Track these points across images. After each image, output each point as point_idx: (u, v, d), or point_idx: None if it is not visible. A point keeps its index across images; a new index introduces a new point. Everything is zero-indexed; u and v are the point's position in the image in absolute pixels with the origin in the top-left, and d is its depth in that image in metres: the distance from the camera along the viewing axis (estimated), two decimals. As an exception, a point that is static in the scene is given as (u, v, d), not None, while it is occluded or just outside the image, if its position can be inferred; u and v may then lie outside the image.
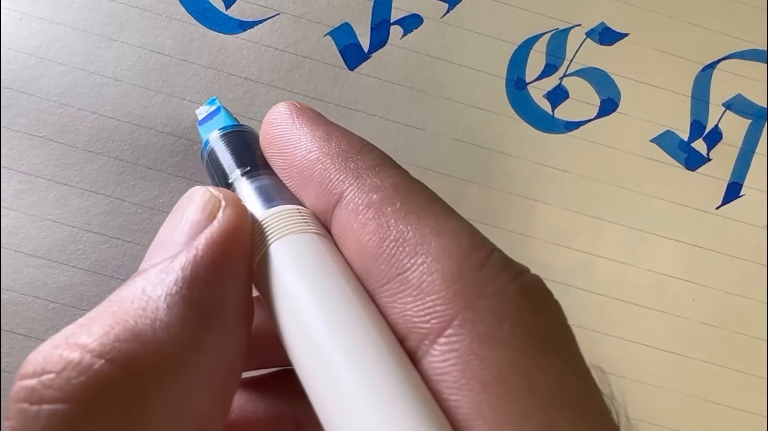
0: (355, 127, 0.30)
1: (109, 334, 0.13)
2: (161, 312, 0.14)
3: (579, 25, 0.31)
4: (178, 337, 0.14)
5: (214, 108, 0.24)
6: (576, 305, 0.30)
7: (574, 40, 0.31)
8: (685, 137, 0.31)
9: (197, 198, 0.17)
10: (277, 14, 0.30)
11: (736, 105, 0.32)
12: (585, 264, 0.30)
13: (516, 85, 0.31)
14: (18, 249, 0.27)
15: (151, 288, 0.14)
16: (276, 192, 0.18)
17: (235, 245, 0.16)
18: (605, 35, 0.31)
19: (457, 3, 0.30)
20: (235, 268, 0.15)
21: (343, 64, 0.30)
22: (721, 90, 0.32)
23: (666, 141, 0.31)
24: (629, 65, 0.31)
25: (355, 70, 0.30)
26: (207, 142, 0.21)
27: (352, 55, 0.30)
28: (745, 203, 0.31)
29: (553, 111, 0.31)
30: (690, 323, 0.30)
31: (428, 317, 0.13)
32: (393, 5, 0.30)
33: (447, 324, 0.13)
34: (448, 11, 0.30)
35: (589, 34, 0.31)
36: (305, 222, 0.16)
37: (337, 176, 0.16)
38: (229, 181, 0.19)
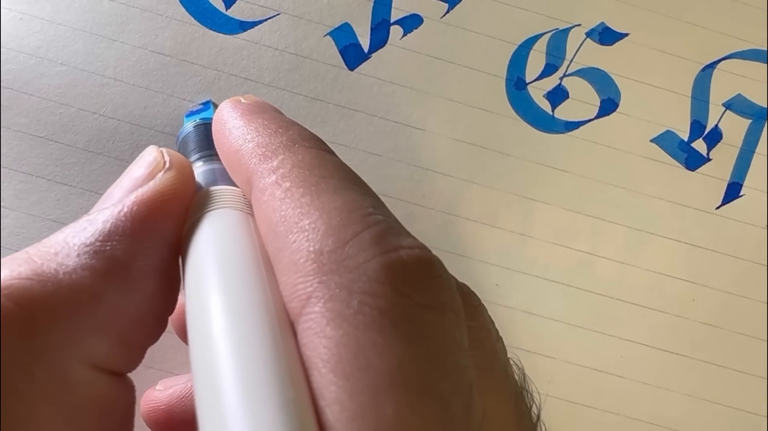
0: (355, 127, 0.30)
1: (14, 272, 0.14)
2: (70, 259, 0.15)
3: (579, 25, 0.31)
4: (77, 283, 0.15)
5: (204, 101, 0.26)
6: (576, 305, 0.30)
7: (574, 40, 0.31)
8: (685, 137, 0.31)
9: (146, 155, 0.18)
10: (277, 14, 0.30)
11: (736, 105, 0.32)
12: (585, 264, 0.30)
13: (516, 85, 0.31)
14: (18, 250, 0.27)
15: (71, 236, 0.15)
16: (222, 176, 0.19)
17: (163, 207, 0.16)
18: (605, 35, 0.31)
19: (457, 3, 0.30)
20: (159, 229, 0.16)
21: (343, 64, 0.30)
22: (721, 90, 0.32)
23: (666, 141, 0.31)
24: (629, 65, 0.31)
25: (355, 70, 0.30)
26: (183, 130, 0.23)
27: (352, 55, 0.30)
28: (745, 203, 0.31)
29: (553, 111, 0.31)
30: (690, 323, 0.30)
31: (293, 295, 0.14)
32: (393, 5, 0.30)
33: (305, 302, 0.13)
34: (448, 11, 0.30)
35: (589, 34, 0.31)
36: (235, 201, 0.17)
37: (248, 163, 0.16)
38: (191, 160, 0.21)
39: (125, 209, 0.16)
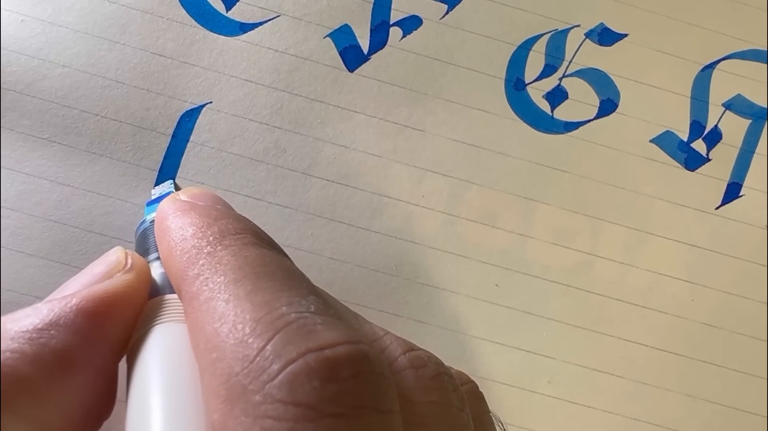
0: (355, 128, 0.30)
1: None
2: (3, 342, 0.15)
3: (578, 25, 0.31)
4: (9, 368, 0.14)
5: (166, 191, 0.26)
6: (576, 305, 0.30)
7: (573, 40, 0.31)
8: (685, 137, 0.31)
9: (110, 254, 0.18)
10: (278, 16, 0.30)
11: (736, 105, 0.32)
12: (585, 264, 0.30)
13: (515, 85, 0.31)
14: (20, 250, 0.28)
15: (11, 321, 0.16)
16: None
17: (113, 307, 0.16)
18: (604, 36, 0.31)
19: (457, 4, 0.31)
20: (104, 328, 0.16)
21: (343, 65, 0.30)
22: (720, 90, 0.32)
23: (665, 141, 0.31)
24: (628, 66, 0.31)
25: (355, 71, 0.30)
26: (143, 222, 0.23)
27: (352, 57, 0.30)
28: (745, 203, 0.31)
29: (552, 111, 0.31)
30: (690, 323, 0.30)
31: (211, 422, 0.13)
32: (392, 7, 0.30)
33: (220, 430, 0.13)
34: (447, 12, 0.31)
35: (589, 35, 0.31)
36: (173, 313, 0.17)
37: (176, 269, 0.16)
38: (147, 261, 0.20)
39: (73, 301, 0.16)
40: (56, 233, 0.28)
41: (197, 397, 0.14)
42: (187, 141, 0.29)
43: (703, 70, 0.32)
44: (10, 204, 0.28)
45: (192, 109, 0.29)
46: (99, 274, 0.17)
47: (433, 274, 0.29)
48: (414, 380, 0.14)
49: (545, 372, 0.30)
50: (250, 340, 0.13)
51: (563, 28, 0.31)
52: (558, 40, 0.31)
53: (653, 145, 0.31)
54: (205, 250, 0.16)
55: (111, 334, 0.16)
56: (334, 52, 0.30)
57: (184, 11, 0.29)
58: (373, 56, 0.30)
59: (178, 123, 0.29)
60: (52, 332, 0.15)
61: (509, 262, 0.30)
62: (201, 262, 0.15)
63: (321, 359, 0.12)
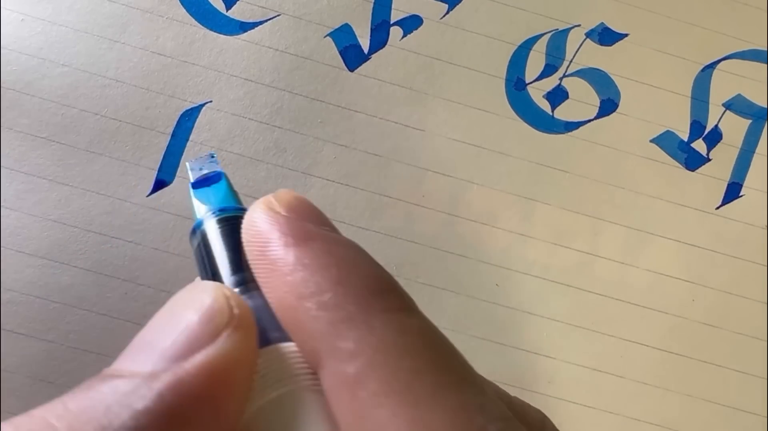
0: (356, 127, 0.30)
1: None
2: None
3: (579, 25, 0.31)
4: None
5: (212, 172, 0.19)
6: (576, 305, 0.30)
7: (573, 40, 0.31)
8: (685, 137, 0.31)
9: (206, 300, 0.13)
10: (278, 15, 0.30)
11: (736, 105, 0.32)
12: (585, 264, 0.30)
13: (516, 85, 0.31)
14: (19, 250, 0.28)
15: (117, 408, 0.12)
16: (270, 318, 0.15)
17: (228, 381, 0.13)
18: (605, 35, 0.31)
19: (457, 3, 0.31)
20: (223, 409, 0.13)
21: (343, 65, 0.30)
22: (721, 90, 0.32)
23: (666, 141, 0.31)
24: (629, 65, 0.31)
25: (355, 71, 0.30)
26: (200, 224, 0.17)
27: (352, 56, 0.30)
28: (745, 203, 0.31)
29: (552, 111, 0.31)
30: (690, 323, 0.30)
31: None
32: (393, 6, 0.30)
33: None
34: (447, 12, 0.31)
35: (589, 35, 0.31)
36: (302, 374, 0.13)
37: (311, 329, 0.13)
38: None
39: (186, 384, 0.12)
40: (55, 232, 0.28)
41: None
42: (187, 140, 0.29)
43: (703, 70, 0.32)
44: (9, 203, 0.28)
45: (192, 108, 0.29)
46: (202, 335, 0.13)
47: (433, 274, 0.29)
48: None
49: (545, 372, 0.30)
50: None
51: (564, 28, 0.31)
52: (558, 40, 0.31)
53: (653, 145, 0.31)
54: (357, 317, 0.13)
55: (229, 414, 0.13)
56: (335, 52, 0.30)
57: (184, 10, 0.29)
58: (374, 56, 0.30)
59: (178, 122, 0.29)
60: (164, 425, 0.12)
61: (509, 262, 0.30)
62: (354, 334, 0.13)
63: None
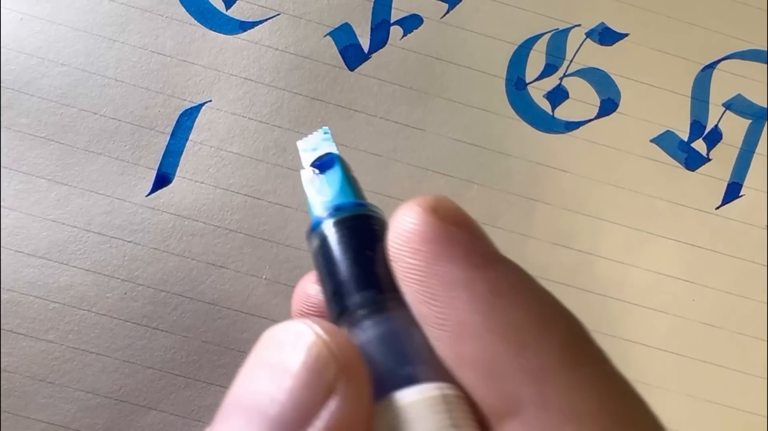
0: (356, 127, 0.30)
1: None
2: None
3: (579, 25, 0.31)
4: None
5: (325, 155, 0.16)
6: (576, 305, 0.30)
7: (574, 40, 0.31)
8: (685, 137, 0.31)
9: (302, 349, 0.11)
10: (278, 15, 0.30)
11: (736, 105, 0.32)
12: (585, 264, 0.30)
13: (516, 85, 0.31)
14: (18, 249, 0.27)
15: None
16: (410, 348, 0.12)
17: None
18: (605, 35, 0.31)
19: (457, 3, 0.31)
20: None
21: (343, 64, 0.30)
22: (721, 90, 0.32)
23: (666, 141, 0.31)
24: (629, 65, 0.31)
25: (355, 70, 0.30)
26: (318, 223, 0.14)
27: (352, 56, 0.30)
28: (745, 203, 0.31)
29: (553, 111, 0.31)
30: (690, 323, 0.30)
31: None
32: (393, 5, 0.30)
33: None
34: (448, 11, 0.30)
35: (589, 35, 0.31)
36: (457, 427, 0.11)
37: (511, 374, 0.11)
38: (347, 310, 0.13)
39: None
40: (55, 232, 0.28)
41: None
42: (187, 139, 0.29)
43: (703, 70, 0.32)
44: (8, 203, 0.28)
45: (191, 108, 0.29)
46: (313, 394, 0.11)
47: (434, 274, 0.29)
48: None
49: (545, 372, 0.30)
50: None
51: (564, 28, 0.31)
52: (559, 40, 0.31)
53: (654, 145, 0.31)
54: (554, 369, 0.11)
55: None
56: (335, 51, 0.30)
57: (184, 9, 0.29)
58: (374, 55, 0.30)
59: (178, 121, 0.29)
60: None
61: (509, 262, 0.30)
62: (552, 385, 0.11)
63: None
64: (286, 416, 0.10)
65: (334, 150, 0.16)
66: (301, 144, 0.16)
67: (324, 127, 0.17)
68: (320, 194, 0.15)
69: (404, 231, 0.12)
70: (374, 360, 0.12)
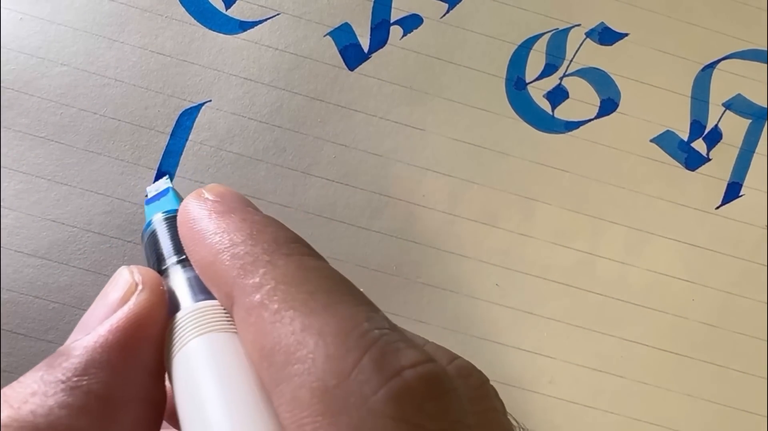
0: (355, 127, 0.30)
1: None
2: (47, 398, 0.15)
3: (579, 25, 0.31)
4: (55, 424, 0.14)
5: (163, 188, 0.23)
6: (576, 305, 0.30)
7: (574, 40, 0.31)
8: (685, 137, 0.31)
9: (119, 278, 0.17)
10: (277, 14, 0.30)
11: (736, 105, 0.32)
12: (585, 264, 0.30)
13: (516, 85, 0.31)
14: (18, 249, 0.27)
15: (47, 373, 0.15)
16: (199, 285, 0.18)
17: (139, 332, 0.16)
18: (605, 35, 0.31)
19: (457, 3, 0.31)
20: (137, 356, 0.16)
21: (343, 64, 0.30)
22: (721, 90, 0.32)
23: (666, 141, 0.31)
24: (629, 65, 0.31)
25: (355, 70, 0.30)
26: (149, 224, 0.21)
27: (352, 56, 0.30)
28: (745, 203, 0.31)
29: (553, 111, 0.31)
30: (690, 323, 0.30)
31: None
32: (393, 5, 0.30)
33: None
34: (448, 11, 0.30)
35: (589, 34, 0.31)
36: (219, 321, 0.16)
37: (226, 277, 0.15)
38: (163, 267, 0.19)
39: (100, 339, 0.15)
40: (54, 232, 0.28)
41: (259, 406, 0.14)
42: (186, 139, 0.29)
43: (703, 69, 0.32)
44: (8, 203, 0.28)
45: (191, 108, 0.29)
46: (114, 302, 0.16)
47: (433, 274, 0.29)
48: (464, 390, 0.14)
49: (546, 372, 0.30)
50: (342, 354, 0.13)
51: (564, 28, 0.31)
52: (559, 40, 0.31)
53: (653, 145, 0.31)
54: (262, 258, 0.15)
55: (146, 360, 0.16)
56: (335, 51, 0.30)
57: (184, 9, 0.29)
58: (374, 55, 0.30)
59: (177, 121, 0.29)
60: (91, 376, 0.15)
61: (509, 262, 0.30)
62: (262, 271, 0.15)
63: (418, 375, 0.13)
64: (99, 313, 0.16)
65: (169, 185, 0.23)
66: (147, 189, 0.23)
67: (166, 177, 0.24)
68: (156, 209, 0.21)
69: (181, 208, 0.18)
70: (172, 292, 0.17)
